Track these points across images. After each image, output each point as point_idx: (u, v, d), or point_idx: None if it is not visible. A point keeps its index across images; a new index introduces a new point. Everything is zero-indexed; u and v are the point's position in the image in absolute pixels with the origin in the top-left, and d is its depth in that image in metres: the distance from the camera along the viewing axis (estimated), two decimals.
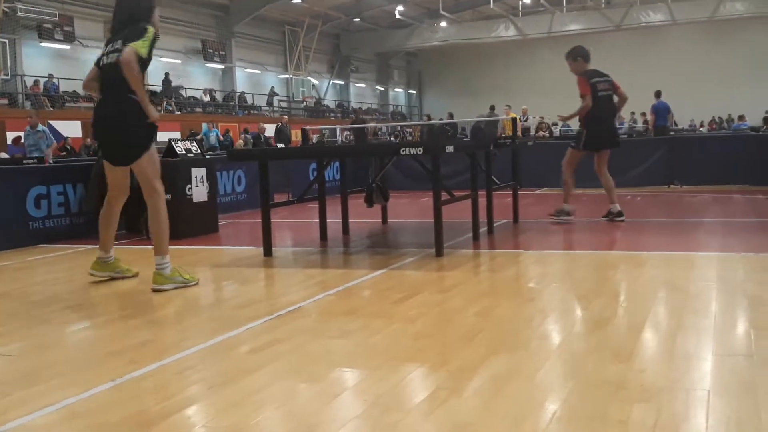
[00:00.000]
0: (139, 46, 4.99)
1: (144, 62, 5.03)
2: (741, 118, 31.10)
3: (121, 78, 4.95)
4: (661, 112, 18.45)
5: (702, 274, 5.08)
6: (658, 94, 18.67)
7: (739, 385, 2.84)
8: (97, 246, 5.63)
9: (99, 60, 5.33)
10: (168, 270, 5.16)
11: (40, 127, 14.88)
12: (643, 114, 21.35)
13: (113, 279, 5.57)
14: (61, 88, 25.09)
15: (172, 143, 8.39)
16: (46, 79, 24.56)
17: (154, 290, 5.09)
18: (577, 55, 8.34)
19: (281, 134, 22.07)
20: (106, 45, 5.33)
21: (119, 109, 5.12)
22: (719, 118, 34.48)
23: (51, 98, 24.29)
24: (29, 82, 24.28)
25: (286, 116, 28.00)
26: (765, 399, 2.67)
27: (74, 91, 25.59)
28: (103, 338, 4.03)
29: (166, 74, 29.41)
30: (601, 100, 8.14)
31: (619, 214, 8.22)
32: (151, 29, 5.13)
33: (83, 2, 25.68)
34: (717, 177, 11.96)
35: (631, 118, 29.85)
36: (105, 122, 5.24)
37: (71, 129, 22.65)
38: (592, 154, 8.38)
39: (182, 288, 5.15)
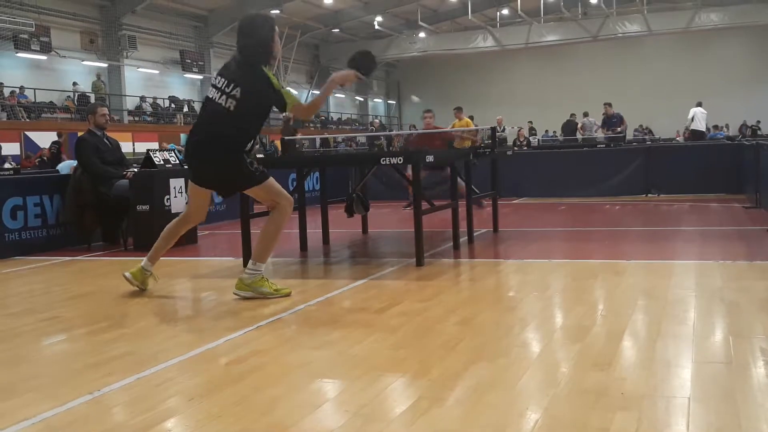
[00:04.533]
0: (293, 99, 5.04)
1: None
2: (716, 127, 31.55)
3: (227, 122, 4.94)
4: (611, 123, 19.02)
5: (680, 282, 5.12)
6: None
7: (719, 392, 2.86)
8: (76, 257, 5.54)
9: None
10: (253, 278, 5.03)
11: None
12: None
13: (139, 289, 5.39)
14: (38, 99, 24.87)
15: (150, 154, 8.34)
16: (18, 90, 24.31)
17: (235, 294, 5.04)
18: None
19: None
20: (218, 75, 5.10)
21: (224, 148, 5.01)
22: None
23: (27, 109, 24.05)
24: (5, 92, 24.03)
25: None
26: (745, 405, 2.69)
27: (51, 102, 25.39)
28: (81, 351, 3.97)
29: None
30: None
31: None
32: (274, 80, 4.98)
33: (60, 13, 25.49)
34: (694, 186, 12.07)
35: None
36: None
37: (47, 140, 22.42)
38: None
39: (256, 298, 4.98)
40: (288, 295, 5.09)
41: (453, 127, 14.54)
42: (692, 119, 19.43)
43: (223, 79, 5.00)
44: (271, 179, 5.15)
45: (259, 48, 4.99)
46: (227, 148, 4.98)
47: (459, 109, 14.93)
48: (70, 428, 2.76)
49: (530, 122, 30.87)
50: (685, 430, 2.49)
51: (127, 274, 5.38)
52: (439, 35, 39.62)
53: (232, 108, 4.92)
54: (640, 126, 32.62)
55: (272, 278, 6.05)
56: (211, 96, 5.04)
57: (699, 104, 19.90)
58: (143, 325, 4.48)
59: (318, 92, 5.29)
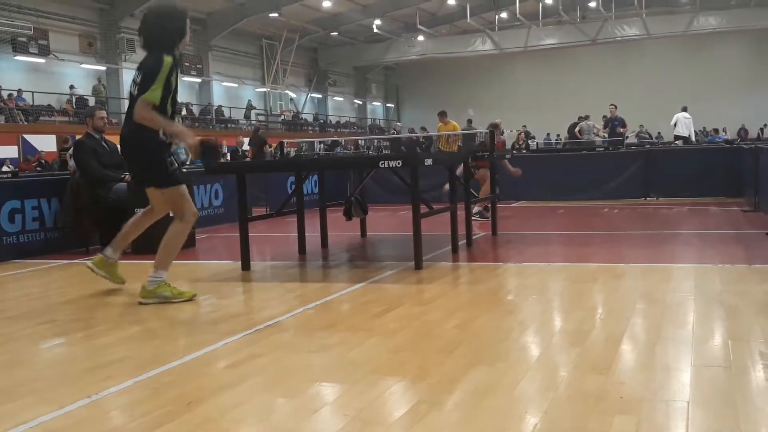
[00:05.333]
0: (150, 96, 4.89)
1: (164, 96, 4.95)
2: (716, 131, 31.58)
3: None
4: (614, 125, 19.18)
5: (679, 286, 5.11)
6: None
7: (718, 395, 2.86)
8: (74, 261, 5.54)
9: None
10: (155, 285, 5.09)
11: None
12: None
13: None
14: (36, 102, 24.86)
15: None
16: (16, 93, 24.29)
17: (140, 303, 5.07)
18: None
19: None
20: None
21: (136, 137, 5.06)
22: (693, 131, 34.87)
23: (25, 112, 24.04)
24: (4, 95, 24.02)
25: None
26: (744, 409, 2.68)
27: (49, 105, 25.37)
28: (79, 354, 3.97)
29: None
30: None
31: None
32: (167, 62, 4.91)
33: (59, 16, 25.51)
34: (693, 189, 12.08)
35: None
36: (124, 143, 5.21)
37: (45, 143, 22.43)
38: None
39: (162, 303, 5.06)
40: (192, 298, 5.16)
41: (438, 131, 14.58)
42: (675, 125, 19.47)
43: (135, 71, 5.11)
44: (182, 188, 5.19)
45: (160, 34, 5.02)
46: (142, 134, 4.97)
47: (443, 114, 14.92)
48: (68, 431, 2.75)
49: (524, 126, 30.77)
50: None
51: (89, 263, 5.59)
52: (438, 38, 39.67)
53: (135, 93, 4.96)
54: (641, 126, 32.52)
55: (269, 281, 6.06)
56: (130, 90, 5.11)
57: (684, 109, 19.93)
58: (141, 328, 4.47)
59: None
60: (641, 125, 32.67)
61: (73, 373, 3.56)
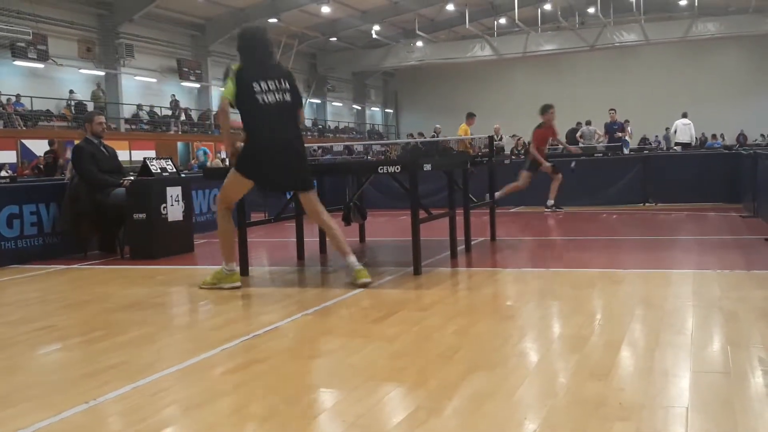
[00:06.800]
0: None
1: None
2: (714, 136, 31.56)
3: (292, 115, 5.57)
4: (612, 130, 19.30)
5: (678, 291, 5.11)
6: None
7: (717, 401, 2.85)
8: (72, 266, 5.54)
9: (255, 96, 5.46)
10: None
11: None
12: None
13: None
14: (34, 107, 24.86)
15: (147, 162, 8.32)
16: (14, 98, 24.30)
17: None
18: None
19: None
20: (260, 80, 5.48)
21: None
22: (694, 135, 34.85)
23: (23, 117, 24.04)
24: (2, 100, 24.02)
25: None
26: (743, 415, 2.68)
27: (47, 110, 25.38)
28: (76, 360, 3.96)
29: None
30: None
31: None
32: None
33: (57, 21, 25.51)
34: (691, 195, 12.07)
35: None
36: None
37: (44, 148, 22.40)
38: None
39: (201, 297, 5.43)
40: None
41: (460, 130, 14.85)
42: (675, 131, 19.55)
43: (271, 81, 5.49)
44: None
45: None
46: (302, 138, 5.68)
47: (471, 116, 15.22)
48: None
49: (514, 136, 30.48)
50: None
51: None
52: (437, 44, 39.71)
53: (290, 99, 5.54)
54: (667, 129, 32.22)
55: (268, 287, 6.05)
56: (269, 100, 5.45)
57: (684, 115, 19.97)
58: (139, 333, 4.46)
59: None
60: (667, 128, 32.40)
61: (71, 378, 3.55)
